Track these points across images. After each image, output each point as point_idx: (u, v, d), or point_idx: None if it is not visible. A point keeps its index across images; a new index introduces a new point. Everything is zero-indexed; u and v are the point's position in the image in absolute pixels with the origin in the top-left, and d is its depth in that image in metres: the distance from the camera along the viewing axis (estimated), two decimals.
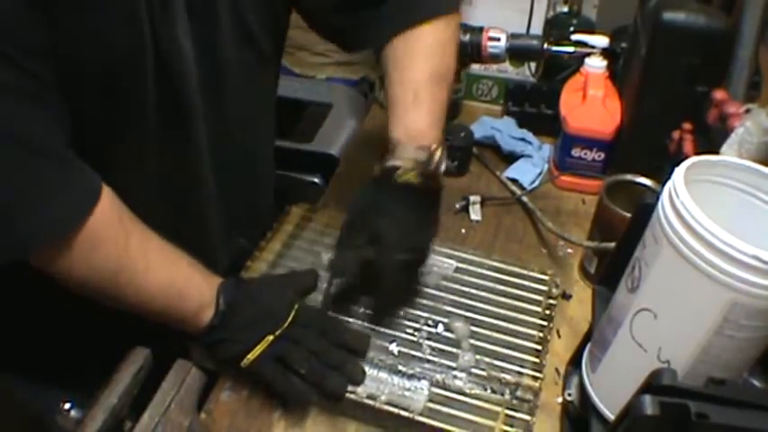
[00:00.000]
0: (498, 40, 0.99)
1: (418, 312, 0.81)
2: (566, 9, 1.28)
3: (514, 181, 1.08)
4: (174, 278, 0.71)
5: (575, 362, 0.73)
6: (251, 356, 0.71)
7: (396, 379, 0.73)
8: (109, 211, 0.65)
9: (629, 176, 0.88)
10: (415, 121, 0.76)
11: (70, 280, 0.65)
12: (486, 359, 0.75)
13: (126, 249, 0.66)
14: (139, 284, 0.68)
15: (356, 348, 0.74)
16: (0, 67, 0.56)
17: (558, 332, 0.82)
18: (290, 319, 0.72)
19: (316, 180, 1.27)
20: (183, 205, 0.80)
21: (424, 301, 0.82)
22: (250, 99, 0.83)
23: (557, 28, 1.24)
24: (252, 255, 0.88)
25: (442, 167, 0.77)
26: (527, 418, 0.70)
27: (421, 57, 0.79)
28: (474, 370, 0.74)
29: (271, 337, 0.71)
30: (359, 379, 0.71)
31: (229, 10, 0.73)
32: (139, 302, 0.69)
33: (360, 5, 0.80)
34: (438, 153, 0.76)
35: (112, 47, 0.63)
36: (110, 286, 0.67)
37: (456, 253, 0.89)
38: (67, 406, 0.63)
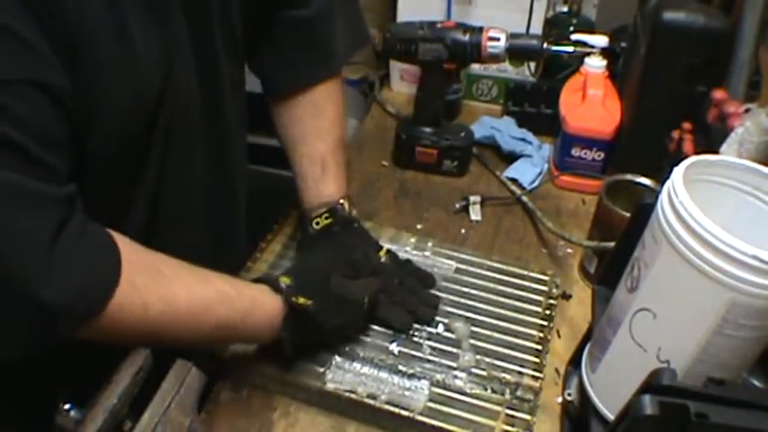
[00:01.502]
0: (498, 39, 0.98)
1: None
2: (565, 9, 1.28)
3: (514, 181, 1.08)
4: (216, 320, 0.68)
5: (574, 362, 0.73)
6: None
7: (396, 379, 0.73)
8: (125, 286, 0.62)
9: (628, 176, 0.88)
10: (326, 190, 0.88)
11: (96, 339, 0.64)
12: (487, 359, 0.75)
13: (145, 319, 0.63)
14: (173, 338, 0.66)
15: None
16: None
17: (557, 332, 0.82)
18: (366, 305, 0.76)
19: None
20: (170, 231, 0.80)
21: None
22: (237, 113, 0.86)
23: (556, 28, 1.24)
24: (252, 256, 0.88)
25: (354, 213, 0.88)
26: (527, 417, 0.70)
27: (325, 128, 0.90)
28: (474, 370, 0.74)
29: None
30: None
31: (222, 21, 0.76)
32: (189, 343, 0.69)
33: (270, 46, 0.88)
34: (347, 204, 0.87)
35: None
36: (138, 343, 0.65)
37: (456, 254, 0.89)
38: (67, 406, 0.63)
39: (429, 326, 0.79)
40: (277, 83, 0.91)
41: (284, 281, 0.72)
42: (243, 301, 0.69)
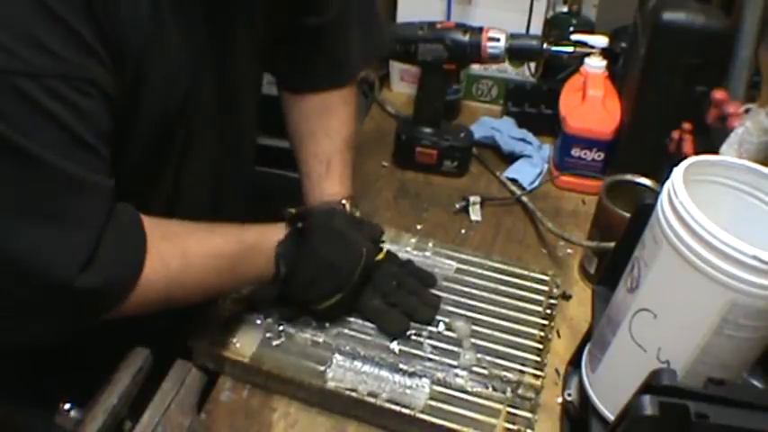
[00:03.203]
0: (498, 40, 0.99)
1: None
2: (565, 9, 1.28)
3: (514, 181, 1.08)
4: (229, 261, 0.71)
5: (574, 362, 0.73)
6: (321, 307, 0.76)
7: (397, 377, 0.73)
8: (150, 256, 0.64)
9: (628, 176, 0.89)
10: (329, 188, 0.88)
11: (125, 316, 0.65)
12: (488, 357, 0.75)
13: (167, 274, 0.65)
14: (193, 287, 0.69)
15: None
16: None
17: (557, 332, 0.82)
18: (358, 272, 0.76)
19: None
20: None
21: None
22: (251, 113, 0.87)
23: (556, 28, 1.24)
24: None
25: (357, 214, 0.88)
26: (529, 415, 0.70)
27: (334, 128, 0.90)
28: (475, 368, 0.74)
29: (339, 295, 0.76)
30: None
31: (246, 27, 0.77)
32: (203, 295, 0.72)
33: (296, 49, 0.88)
34: (348, 205, 0.87)
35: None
36: (165, 306, 0.67)
37: (457, 254, 0.89)
38: (67, 406, 0.63)
39: (429, 325, 0.79)
40: (290, 82, 0.92)
41: (291, 210, 0.75)
42: (250, 233, 0.73)
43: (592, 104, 1.05)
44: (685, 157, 0.54)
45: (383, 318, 0.79)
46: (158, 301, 0.65)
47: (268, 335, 0.77)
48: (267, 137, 1.08)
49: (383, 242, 0.86)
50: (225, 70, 0.75)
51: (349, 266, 0.76)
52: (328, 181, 0.88)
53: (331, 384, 0.72)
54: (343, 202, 0.87)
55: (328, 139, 0.90)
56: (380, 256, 0.84)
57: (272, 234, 0.74)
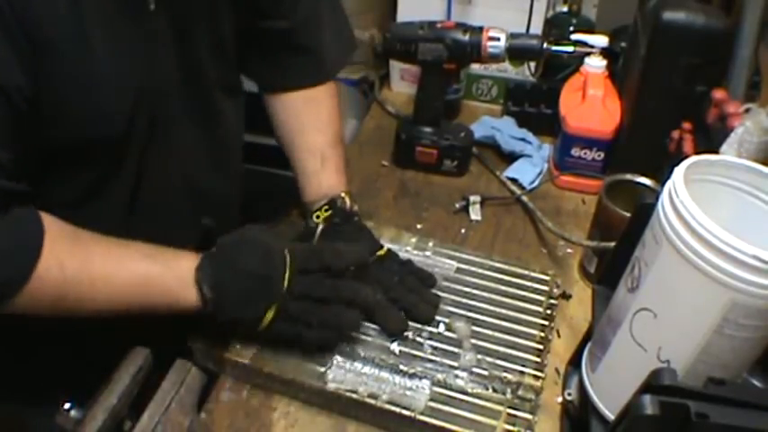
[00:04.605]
0: (498, 39, 0.99)
1: None
2: (565, 9, 1.28)
3: (514, 181, 1.08)
4: (126, 282, 0.68)
5: (575, 362, 0.73)
6: (262, 326, 0.70)
7: (397, 378, 0.73)
8: (45, 254, 0.63)
9: (628, 176, 0.88)
10: (326, 181, 0.88)
11: (13, 312, 0.64)
12: (488, 358, 0.75)
13: (63, 279, 0.64)
14: (91, 299, 0.67)
15: (358, 263, 0.74)
16: None
17: (557, 332, 0.82)
18: (287, 275, 0.69)
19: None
20: (150, 195, 0.80)
21: None
22: (235, 117, 0.87)
23: (556, 28, 1.24)
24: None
25: (355, 208, 0.87)
26: (529, 416, 0.70)
27: (324, 121, 0.91)
28: (475, 369, 0.74)
29: (275, 306, 0.69)
30: (371, 303, 0.74)
31: (207, 28, 0.77)
32: (104, 311, 0.68)
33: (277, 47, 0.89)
34: (348, 199, 0.87)
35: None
36: (58, 309, 0.65)
37: (457, 254, 0.89)
38: (67, 406, 0.63)
39: (429, 325, 0.79)
40: (270, 83, 0.93)
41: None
42: (165, 253, 0.69)
43: (592, 104, 1.05)
44: (685, 157, 0.54)
45: (384, 314, 0.77)
46: (51, 302, 0.64)
47: None
48: (257, 135, 1.08)
49: (381, 247, 0.85)
50: (188, 74, 0.75)
51: (276, 273, 0.69)
52: (325, 174, 0.88)
53: (331, 386, 0.72)
54: (342, 194, 0.87)
55: (320, 134, 0.90)
56: (381, 253, 0.83)
57: (186, 259, 0.69)
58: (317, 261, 0.72)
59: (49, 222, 0.65)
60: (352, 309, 0.72)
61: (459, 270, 0.87)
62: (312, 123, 0.90)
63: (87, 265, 0.66)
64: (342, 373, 0.73)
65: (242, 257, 0.69)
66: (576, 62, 1.12)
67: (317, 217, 0.86)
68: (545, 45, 0.99)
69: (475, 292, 0.83)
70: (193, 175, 0.83)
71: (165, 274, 0.69)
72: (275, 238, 0.73)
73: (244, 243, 0.71)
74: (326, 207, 0.86)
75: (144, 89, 0.70)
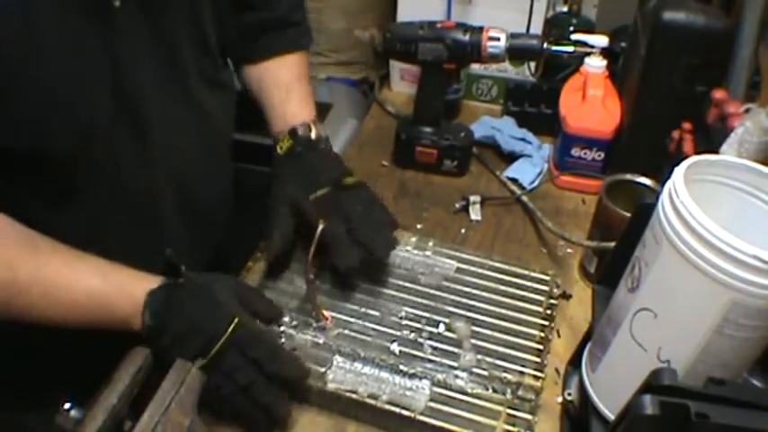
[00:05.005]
0: (498, 39, 0.99)
1: (419, 312, 0.81)
2: (565, 9, 1.28)
3: (514, 181, 1.08)
4: (78, 298, 0.67)
5: (575, 362, 0.73)
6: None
7: (397, 379, 0.73)
8: None
9: (628, 176, 0.88)
10: (290, 110, 0.89)
11: None
12: (488, 359, 0.75)
13: (13, 281, 0.63)
14: (41, 309, 0.65)
15: (293, 380, 0.70)
16: None
17: (557, 332, 0.82)
18: (221, 340, 0.67)
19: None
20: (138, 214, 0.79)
21: (425, 302, 0.82)
22: (219, 109, 0.87)
23: (556, 28, 1.24)
24: (252, 255, 0.88)
25: (322, 135, 0.88)
26: (529, 417, 0.70)
27: (291, 61, 0.94)
28: (475, 369, 0.74)
29: (202, 361, 0.66)
30: (282, 422, 0.70)
31: (187, 21, 0.76)
32: (52, 322, 0.67)
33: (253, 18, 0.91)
34: (313, 126, 0.87)
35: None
36: (5, 314, 0.64)
37: (457, 253, 0.89)
38: (67, 406, 0.63)
39: (383, 261, 0.76)
40: (249, 57, 0.95)
41: (169, 253, 0.70)
42: (120, 274, 0.68)
43: (592, 104, 1.05)
44: (685, 157, 0.54)
45: (338, 248, 0.78)
46: (3, 308, 0.64)
47: None
48: (252, 134, 1.09)
49: (350, 174, 0.85)
50: (166, 64, 0.74)
51: (215, 331, 0.67)
52: (290, 104, 0.90)
53: (331, 386, 0.72)
54: (305, 122, 0.87)
55: (286, 70, 0.93)
56: (350, 181, 0.83)
57: (145, 282, 0.68)
58: (255, 349, 0.68)
59: (6, 224, 0.64)
60: (264, 415, 0.69)
61: (459, 270, 0.87)
62: (278, 63, 0.93)
63: (42, 272, 0.65)
64: (342, 374, 0.73)
65: (192, 303, 0.68)
66: (575, 62, 1.12)
67: (281, 148, 0.87)
68: (545, 45, 0.99)
69: (475, 292, 0.84)
70: (179, 174, 0.81)
71: (118, 293, 0.68)
72: (238, 299, 0.72)
73: (201, 290, 0.70)
74: (288, 137, 0.87)
75: (110, 87, 0.68)
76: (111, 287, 0.67)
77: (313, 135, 0.87)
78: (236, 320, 0.68)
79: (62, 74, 0.63)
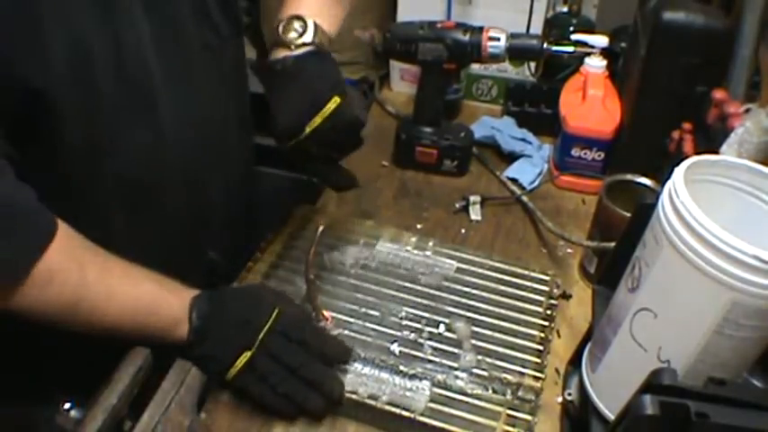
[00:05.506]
0: (498, 39, 0.99)
1: (419, 313, 0.81)
2: (565, 9, 1.28)
3: (514, 181, 1.08)
4: (140, 299, 0.69)
5: (575, 362, 0.73)
6: (233, 371, 0.70)
7: (397, 379, 0.73)
8: (61, 248, 0.63)
9: (629, 176, 0.88)
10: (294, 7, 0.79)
11: (29, 314, 0.64)
12: (488, 359, 0.75)
13: (83, 281, 0.65)
14: (103, 310, 0.67)
15: (337, 358, 0.73)
16: None
17: (557, 332, 0.82)
18: (266, 327, 0.70)
19: (315, 180, 1.26)
20: (146, 212, 0.79)
21: (426, 302, 0.82)
22: (214, 82, 0.82)
23: (556, 28, 1.24)
24: (253, 256, 0.88)
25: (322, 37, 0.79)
26: (529, 418, 0.70)
27: None
28: (475, 370, 0.74)
29: (248, 353, 0.69)
30: (336, 397, 0.71)
31: None
32: (108, 327, 0.68)
33: None
34: (311, 24, 0.77)
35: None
36: (71, 316, 0.65)
37: (457, 253, 0.89)
38: (67, 406, 0.63)
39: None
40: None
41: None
42: (167, 280, 0.72)
43: (592, 104, 1.05)
44: (685, 157, 0.54)
45: (328, 173, 0.83)
46: (64, 306, 0.64)
47: None
48: (258, 135, 1.08)
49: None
50: (167, 32, 0.72)
51: (258, 321, 0.71)
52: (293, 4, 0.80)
53: None
54: (304, 14, 0.78)
55: None
56: (332, 105, 0.76)
57: (190, 289, 0.73)
58: (299, 332, 0.72)
59: (68, 227, 0.64)
60: (316, 394, 0.70)
61: (459, 270, 0.87)
62: None
63: (107, 274, 0.67)
64: (341, 374, 0.73)
65: (234, 302, 0.73)
66: (576, 62, 1.12)
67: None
68: (545, 45, 0.99)
69: (475, 292, 0.84)
70: (186, 152, 0.79)
71: (172, 294, 0.72)
72: (275, 295, 0.76)
73: (241, 291, 0.78)
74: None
75: (104, 55, 0.66)
76: (166, 290, 0.71)
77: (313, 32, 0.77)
78: (276, 309, 0.72)
79: (63, 45, 0.62)
